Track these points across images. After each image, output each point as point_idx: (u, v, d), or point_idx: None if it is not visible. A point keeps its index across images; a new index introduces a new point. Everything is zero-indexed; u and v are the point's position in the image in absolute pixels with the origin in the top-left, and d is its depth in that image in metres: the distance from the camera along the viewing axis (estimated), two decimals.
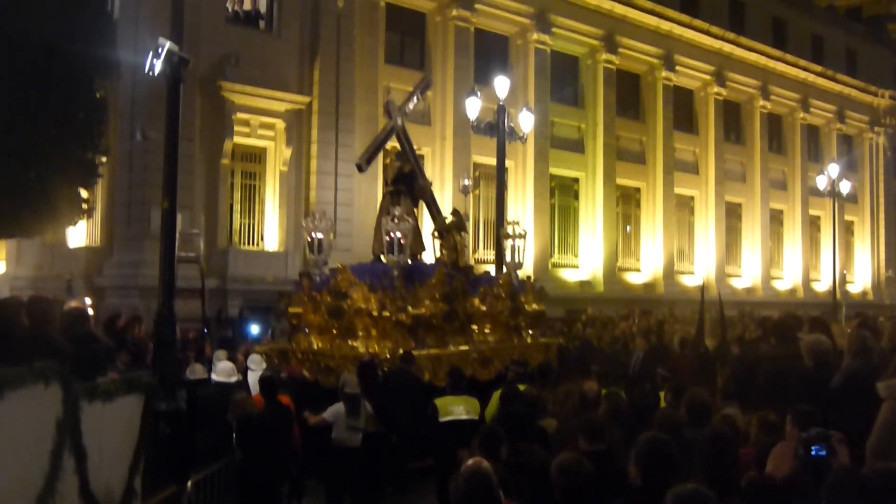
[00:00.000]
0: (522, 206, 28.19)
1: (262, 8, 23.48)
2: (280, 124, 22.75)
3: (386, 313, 11.35)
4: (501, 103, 16.90)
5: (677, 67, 33.79)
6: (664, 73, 33.39)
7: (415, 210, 14.13)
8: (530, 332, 13.88)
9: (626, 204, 32.87)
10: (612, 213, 31.49)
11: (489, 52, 28.10)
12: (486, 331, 13.08)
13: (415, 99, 15.70)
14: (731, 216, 36.95)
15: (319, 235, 12.97)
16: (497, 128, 16.82)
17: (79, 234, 22.40)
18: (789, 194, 39.82)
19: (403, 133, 14.75)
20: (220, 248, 21.43)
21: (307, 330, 12.26)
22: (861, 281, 43.87)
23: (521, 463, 5.70)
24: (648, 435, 4.88)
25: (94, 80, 16.90)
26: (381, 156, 15.58)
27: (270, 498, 8.44)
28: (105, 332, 11.32)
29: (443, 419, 8.81)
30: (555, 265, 29.69)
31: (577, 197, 31.22)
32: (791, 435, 4.88)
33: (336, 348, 11.64)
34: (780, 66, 38.26)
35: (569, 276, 30.10)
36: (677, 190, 34.02)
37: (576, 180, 31.23)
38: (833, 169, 29.23)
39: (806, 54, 39.76)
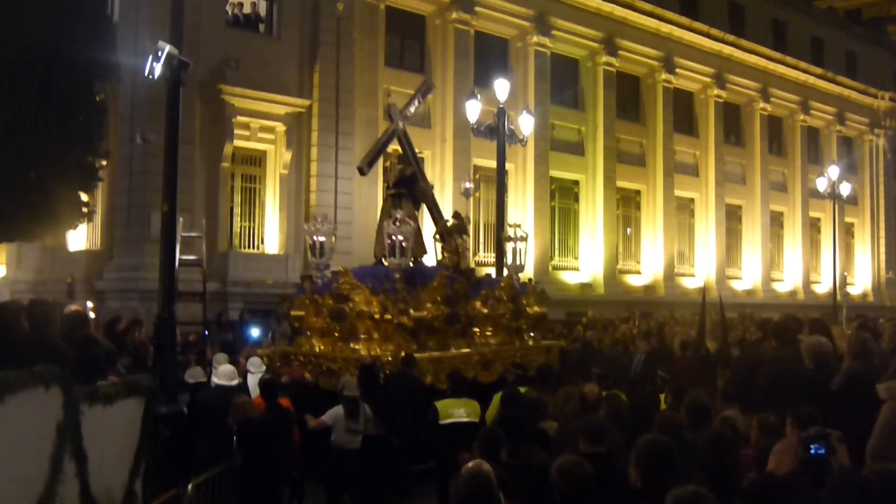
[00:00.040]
0: (522, 209, 28.19)
1: (262, 11, 23.50)
2: (280, 127, 22.76)
3: (388, 316, 11.35)
4: (501, 106, 16.91)
5: (677, 70, 33.81)
6: (664, 76, 33.40)
7: (416, 213, 14.13)
8: (532, 334, 13.88)
9: (626, 206, 32.87)
10: (613, 215, 31.49)
11: (489, 55, 28.12)
12: (488, 333, 13.07)
13: (416, 102, 15.71)
14: (732, 218, 36.95)
15: (321, 239, 12.97)
16: (497, 130, 16.83)
17: (79, 238, 22.43)
18: (789, 196, 39.83)
19: (405, 136, 14.76)
20: (221, 251, 21.43)
21: (309, 333, 12.27)
22: (861, 283, 43.86)
23: (522, 465, 5.70)
24: (649, 437, 4.90)
25: (94, 83, 16.94)
26: (380, 159, 15.59)
27: (271, 501, 8.44)
28: (105, 335, 11.30)
29: (443, 422, 8.81)
30: (555, 268, 29.68)
31: (577, 199, 31.22)
32: (791, 437, 4.88)
33: (338, 351, 11.65)
34: (780, 69, 38.27)
35: (569, 278, 30.10)
36: (677, 192, 34.03)
37: (576, 183, 31.23)
38: (833, 171, 29.21)
39: (806, 56, 39.77)
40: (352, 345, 11.63)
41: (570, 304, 26.97)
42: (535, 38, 28.86)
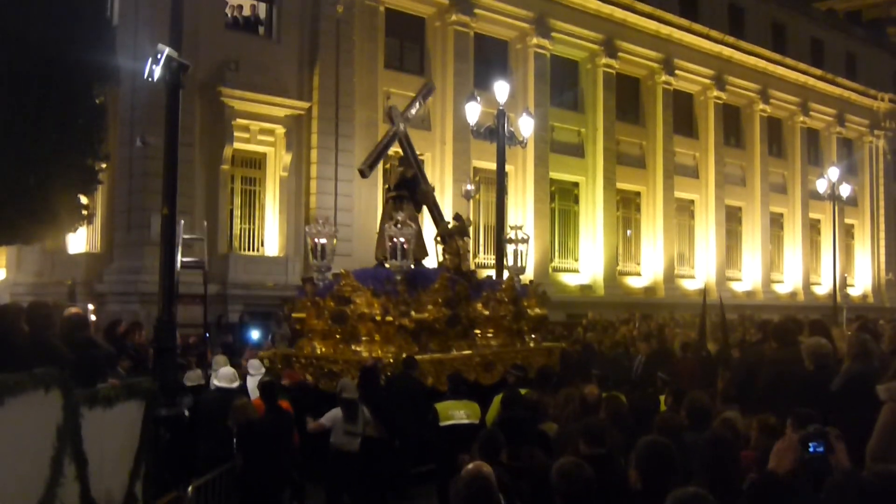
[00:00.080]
0: (522, 211, 28.19)
1: (262, 13, 23.51)
2: (280, 130, 22.76)
3: (389, 318, 11.36)
4: (501, 108, 16.92)
5: (677, 71, 33.81)
6: (664, 77, 33.40)
7: (417, 215, 14.14)
8: (533, 336, 13.88)
9: (626, 208, 32.87)
10: (613, 217, 31.49)
11: (489, 57, 28.11)
12: (489, 335, 13.07)
13: (417, 104, 15.73)
14: (732, 220, 36.94)
15: (322, 241, 12.95)
16: (497, 132, 16.85)
17: (79, 241, 22.44)
18: (789, 198, 39.83)
19: (406, 138, 14.77)
20: (221, 253, 21.42)
21: (310, 335, 12.27)
22: (861, 284, 43.85)
23: (522, 467, 5.71)
24: (649, 439, 4.90)
25: (94, 86, 16.96)
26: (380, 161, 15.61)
27: (271, 503, 8.45)
28: (105, 338, 11.28)
29: (443, 423, 8.82)
30: (555, 269, 29.67)
31: (577, 201, 31.21)
32: (791, 437, 4.87)
33: (339, 353, 11.66)
34: (780, 70, 38.27)
35: (569, 280, 30.10)
36: (677, 194, 34.02)
37: (576, 184, 31.23)
38: (833, 172, 29.24)
39: (806, 58, 39.76)
40: (353, 347, 11.63)
41: (570, 305, 26.95)
42: (534, 40, 28.85)
